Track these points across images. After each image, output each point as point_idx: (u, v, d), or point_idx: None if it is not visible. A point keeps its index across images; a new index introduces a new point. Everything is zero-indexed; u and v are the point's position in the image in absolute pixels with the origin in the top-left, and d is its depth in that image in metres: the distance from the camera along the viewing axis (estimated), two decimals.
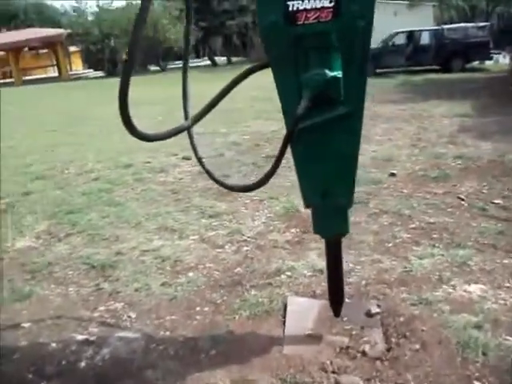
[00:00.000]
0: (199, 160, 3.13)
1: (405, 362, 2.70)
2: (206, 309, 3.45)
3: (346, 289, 3.45)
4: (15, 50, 35.06)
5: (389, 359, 2.73)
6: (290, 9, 2.20)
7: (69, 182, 7.07)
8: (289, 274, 3.83)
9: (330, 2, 2.16)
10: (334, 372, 2.69)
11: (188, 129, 2.90)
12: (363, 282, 3.61)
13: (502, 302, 3.22)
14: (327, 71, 2.26)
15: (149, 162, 7.75)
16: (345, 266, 3.69)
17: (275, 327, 3.16)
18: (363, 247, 4.17)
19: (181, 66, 3.03)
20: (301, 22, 2.20)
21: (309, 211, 2.80)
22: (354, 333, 3.01)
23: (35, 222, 5.41)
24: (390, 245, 4.18)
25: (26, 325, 3.45)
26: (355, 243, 4.24)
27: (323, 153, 2.52)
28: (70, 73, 37.29)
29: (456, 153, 6.92)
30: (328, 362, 2.75)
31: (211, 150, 7.99)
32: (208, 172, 3.11)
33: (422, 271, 3.68)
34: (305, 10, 2.19)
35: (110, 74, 33.12)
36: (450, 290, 3.40)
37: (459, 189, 5.46)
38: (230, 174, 6.53)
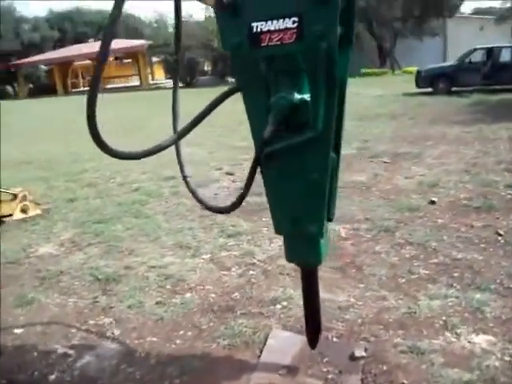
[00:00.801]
0: (184, 178, 3.04)
1: None
2: (189, 333, 3.36)
3: (339, 326, 3.24)
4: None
5: None
6: (254, 30, 2.08)
7: (110, 191, 7.30)
8: (284, 304, 3.64)
9: (294, 23, 2.02)
10: None
11: (165, 148, 2.82)
12: (359, 321, 3.34)
13: (508, 358, 2.83)
14: (293, 94, 2.12)
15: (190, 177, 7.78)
16: (344, 301, 3.48)
17: (250, 359, 2.99)
18: (373, 281, 3.88)
19: None
20: (265, 44, 2.08)
21: None
22: (329, 376, 2.78)
23: (63, 230, 5.61)
24: (403, 281, 3.86)
25: (18, 331, 3.55)
26: (366, 276, 3.97)
27: (291, 178, 2.36)
28: (151, 82, 39.09)
29: (510, 181, 6.32)
30: None
31: None
32: (193, 192, 3.00)
33: (428, 314, 3.34)
34: (268, 31, 2.06)
35: (188, 84, 34.37)
36: (453, 339, 3.05)
37: (501, 222, 4.96)
38: None
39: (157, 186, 7.29)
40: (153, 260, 4.58)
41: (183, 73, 34.66)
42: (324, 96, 2.13)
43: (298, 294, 3.69)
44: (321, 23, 1.98)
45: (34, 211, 6.15)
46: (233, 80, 33.87)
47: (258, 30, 2.07)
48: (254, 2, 2.07)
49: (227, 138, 11.36)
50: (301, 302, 3.50)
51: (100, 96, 1.83)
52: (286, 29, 2.03)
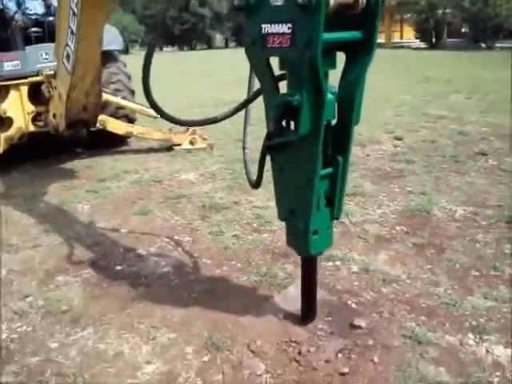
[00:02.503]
0: (243, 149, 3.31)
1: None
2: (238, 265, 3.74)
3: (368, 296, 3.24)
4: None
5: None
6: (263, 31, 2.28)
7: None
8: (338, 263, 3.69)
9: (289, 28, 2.16)
10: (251, 351, 2.70)
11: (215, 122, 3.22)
12: (391, 296, 3.22)
13: None
14: (292, 95, 2.29)
15: (360, 134, 7.72)
16: (395, 276, 3.38)
17: (264, 297, 3.24)
18: (442, 266, 3.58)
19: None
20: (269, 45, 2.27)
21: None
22: (319, 333, 2.84)
23: (213, 164, 6.47)
24: (475, 274, 3.46)
25: (124, 230, 4.45)
26: (440, 259, 3.67)
27: (288, 173, 2.57)
28: (394, 41, 37.80)
29: None
30: (257, 343, 2.76)
31: None
32: (245, 164, 3.23)
33: (466, 312, 3.01)
34: (272, 33, 2.24)
35: (433, 46, 32.18)
36: (459, 342, 2.74)
37: None
38: None
39: None
40: (259, 201, 4.98)
41: (428, 33, 32.60)
42: (307, 100, 2.24)
43: (360, 259, 3.70)
44: (306, 32, 2.09)
45: (200, 144, 7.14)
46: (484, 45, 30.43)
47: (266, 31, 2.26)
48: (264, 6, 2.23)
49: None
50: (354, 268, 3.56)
51: None
52: (284, 34, 2.19)
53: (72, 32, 4.57)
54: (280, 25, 2.17)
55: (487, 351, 2.65)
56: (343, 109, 2.42)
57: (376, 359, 2.59)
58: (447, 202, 4.72)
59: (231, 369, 2.59)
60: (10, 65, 5.92)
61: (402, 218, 4.43)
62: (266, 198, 5.00)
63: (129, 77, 7.34)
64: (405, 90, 12.13)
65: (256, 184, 2.88)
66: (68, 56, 4.80)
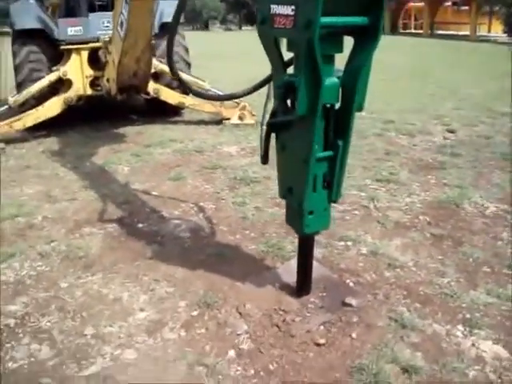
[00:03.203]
0: (261, 125, 3.34)
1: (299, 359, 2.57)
2: (251, 234, 3.84)
3: (368, 278, 3.26)
4: (435, 2, 36.02)
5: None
6: (272, 11, 2.36)
7: None
8: (349, 243, 3.70)
9: (292, 10, 2.24)
10: (239, 312, 2.82)
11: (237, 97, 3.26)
12: (391, 280, 3.21)
13: None
14: (293, 75, 2.39)
15: (412, 124, 7.51)
16: (402, 262, 3.38)
17: (267, 267, 3.34)
18: (453, 259, 3.49)
19: None
20: (276, 26, 2.35)
21: None
22: (309, 305, 2.89)
23: (256, 139, 6.54)
24: (486, 270, 3.36)
25: (155, 192, 4.70)
26: (454, 252, 3.59)
27: (288, 152, 2.65)
28: (481, 34, 35.73)
29: None
30: (246, 306, 2.87)
31: None
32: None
33: (461, 304, 2.96)
34: (279, 14, 2.32)
35: None
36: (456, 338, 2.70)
37: None
38: None
39: (370, 126, 7.36)
40: None
41: None
42: (304, 82, 2.31)
43: (372, 243, 3.70)
44: (306, 14, 2.15)
45: (248, 120, 7.26)
46: None
47: (274, 11, 2.34)
48: None
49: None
50: (363, 251, 3.57)
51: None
52: (288, 15, 2.26)
53: (126, 1, 4.80)
54: (286, 6, 2.24)
55: (473, 345, 2.60)
56: (346, 93, 2.45)
57: (354, 335, 2.62)
58: (481, 197, 4.54)
59: (215, 325, 2.72)
60: (73, 30, 6.30)
61: (429, 209, 4.33)
62: None
63: (186, 49, 7.55)
64: (474, 84, 11.53)
65: (263, 159, 2.92)
66: (122, 23, 5.05)
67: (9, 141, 6.39)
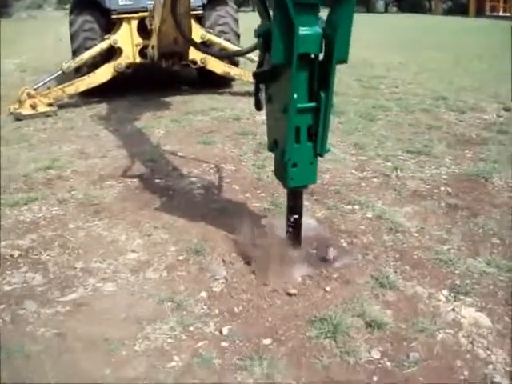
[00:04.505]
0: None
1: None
2: (261, 194, 3.87)
3: (364, 240, 3.20)
4: None
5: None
6: None
7: (382, 93, 7.60)
8: (356, 206, 3.64)
9: None
10: (223, 260, 2.89)
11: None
12: (387, 248, 3.13)
13: None
14: (266, 22, 2.42)
15: (463, 101, 7.11)
16: (407, 225, 3.30)
17: (261, 218, 3.37)
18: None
19: None
20: None
21: None
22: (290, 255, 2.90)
23: None
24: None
25: (181, 154, 4.83)
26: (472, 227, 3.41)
27: (273, 103, 2.64)
28: None
29: None
30: (232, 255, 2.93)
31: None
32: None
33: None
34: None
35: None
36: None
37: None
38: None
39: (417, 101, 7.07)
40: None
41: None
42: (276, 29, 2.30)
43: (381, 208, 3.62)
44: None
45: None
46: None
47: None
48: None
49: None
50: (369, 215, 3.52)
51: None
52: None
53: None
54: None
55: (453, 309, 2.49)
56: (327, 45, 2.41)
57: (328, 289, 2.60)
58: None
59: (197, 270, 2.81)
60: (124, 0, 6.55)
61: (454, 181, 4.13)
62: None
63: (236, 21, 7.60)
64: None
65: (255, 106, 2.94)
66: None
67: (62, 106, 6.81)
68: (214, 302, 2.53)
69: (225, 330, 2.31)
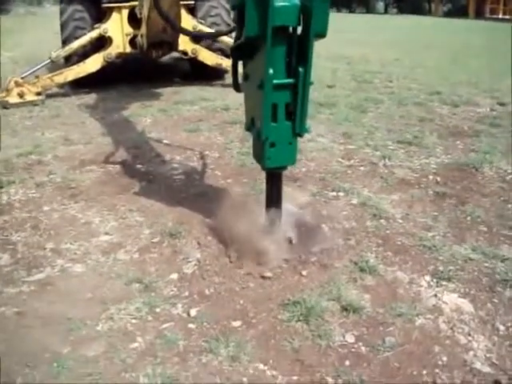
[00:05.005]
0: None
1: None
2: (244, 180, 3.77)
3: (347, 226, 3.09)
4: None
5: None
6: None
7: (375, 87, 7.48)
8: (342, 194, 3.54)
9: None
10: (198, 243, 2.79)
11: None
12: (369, 233, 3.03)
13: None
14: None
15: (457, 96, 6.98)
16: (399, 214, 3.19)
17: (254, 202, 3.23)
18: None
19: None
20: None
21: None
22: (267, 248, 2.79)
23: None
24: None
25: (166, 141, 4.72)
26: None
27: (250, 80, 2.54)
28: None
29: None
30: (207, 238, 2.83)
31: None
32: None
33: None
34: None
35: None
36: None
37: None
38: None
39: (412, 95, 6.97)
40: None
41: None
42: (252, 2, 2.19)
43: (366, 195, 3.52)
44: None
45: None
46: None
47: None
48: None
49: None
50: (353, 201, 3.41)
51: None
52: None
53: None
54: None
55: (435, 295, 2.39)
56: (304, 20, 2.31)
57: (305, 273, 2.51)
58: (507, 163, 4.16)
59: (170, 252, 2.72)
60: None
61: (444, 170, 4.03)
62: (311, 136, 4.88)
63: (228, 12, 7.49)
64: None
65: (234, 87, 2.84)
66: None
67: (51, 95, 6.70)
68: (185, 283, 2.42)
69: (193, 312, 2.21)
